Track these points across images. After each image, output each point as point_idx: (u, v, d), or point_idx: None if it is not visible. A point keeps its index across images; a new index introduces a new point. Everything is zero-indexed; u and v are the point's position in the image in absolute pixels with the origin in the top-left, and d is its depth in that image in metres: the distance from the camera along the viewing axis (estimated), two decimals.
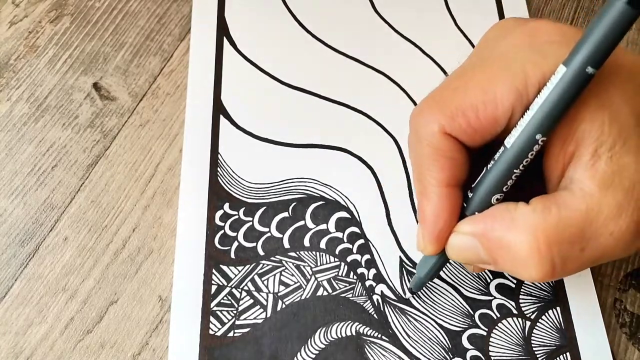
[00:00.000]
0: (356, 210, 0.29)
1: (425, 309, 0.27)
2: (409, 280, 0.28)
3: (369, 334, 0.27)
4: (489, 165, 0.22)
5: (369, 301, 0.27)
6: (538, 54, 0.21)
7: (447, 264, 0.28)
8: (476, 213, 0.23)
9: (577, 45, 0.19)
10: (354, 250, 0.28)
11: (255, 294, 0.27)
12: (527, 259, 0.21)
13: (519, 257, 0.21)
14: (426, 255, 0.25)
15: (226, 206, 0.29)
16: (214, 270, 0.28)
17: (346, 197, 0.30)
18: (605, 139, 0.20)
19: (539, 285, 0.28)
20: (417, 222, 0.25)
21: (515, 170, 0.21)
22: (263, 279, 0.28)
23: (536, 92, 0.21)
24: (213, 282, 0.27)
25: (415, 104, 0.32)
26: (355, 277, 0.28)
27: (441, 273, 0.28)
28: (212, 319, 0.27)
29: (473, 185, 0.23)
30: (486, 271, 0.28)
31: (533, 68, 0.21)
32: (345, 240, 0.29)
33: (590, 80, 0.19)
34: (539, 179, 0.23)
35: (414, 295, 0.27)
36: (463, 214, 0.23)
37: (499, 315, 0.27)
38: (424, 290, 0.28)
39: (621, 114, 0.20)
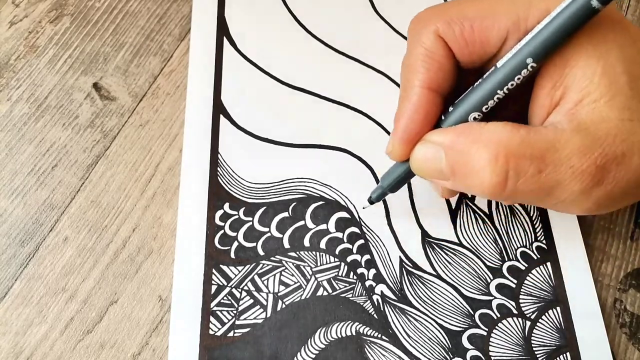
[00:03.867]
0: (356, 211, 0.29)
1: (425, 309, 0.27)
2: (409, 280, 0.28)
3: (369, 334, 0.27)
4: (476, 84, 0.22)
5: (369, 301, 0.27)
6: None
7: (444, 263, 0.28)
8: None
9: None
10: (354, 250, 0.28)
11: (255, 294, 0.27)
12: (482, 167, 0.21)
13: (476, 165, 0.21)
14: (393, 159, 0.25)
15: (226, 206, 0.29)
16: (214, 270, 0.28)
17: (346, 197, 0.30)
18: (592, 90, 0.21)
19: (539, 285, 0.28)
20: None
21: (499, 91, 0.22)
22: (263, 279, 0.28)
23: (535, 24, 0.21)
24: (213, 282, 0.27)
25: None
26: (355, 277, 0.28)
27: (441, 273, 0.28)
28: (212, 319, 0.27)
29: (455, 102, 0.23)
30: (486, 271, 0.28)
31: (539, 1, 0.21)
32: (345, 240, 0.29)
33: (593, 16, 0.20)
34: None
35: (369, 205, 0.28)
36: (438, 126, 0.23)
37: (499, 315, 0.27)
38: (423, 290, 0.28)
39: (614, 70, 0.21)
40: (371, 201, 0.28)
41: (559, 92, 0.21)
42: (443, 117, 0.23)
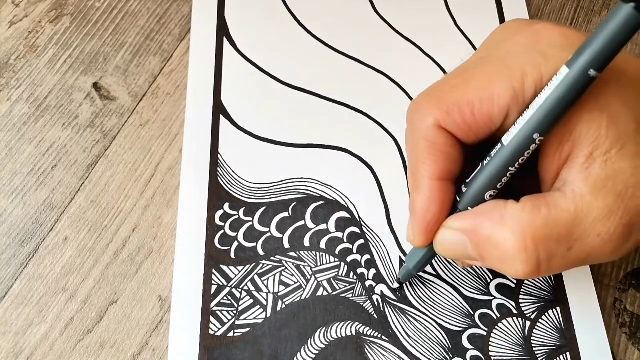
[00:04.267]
0: (356, 210, 0.29)
1: (425, 309, 0.27)
2: (408, 280, 0.28)
3: (369, 334, 0.27)
4: (485, 162, 0.22)
5: (369, 301, 0.27)
6: (539, 56, 0.21)
7: (444, 263, 0.28)
8: (469, 208, 0.23)
9: (581, 47, 0.19)
10: (354, 250, 0.28)
11: (255, 294, 0.27)
12: (513, 256, 0.21)
13: (506, 254, 0.21)
14: (415, 247, 0.25)
15: (226, 206, 0.29)
16: (214, 270, 0.28)
17: (346, 197, 0.30)
18: (601, 143, 0.20)
19: (539, 285, 0.28)
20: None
21: (510, 168, 0.22)
22: (263, 279, 0.28)
23: (533, 94, 0.21)
24: (213, 282, 0.27)
25: None
26: (355, 277, 0.28)
27: (441, 273, 0.28)
28: (212, 319, 0.27)
29: (467, 181, 0.23)
30: (486, 271, 0.28)
31: (532, 69, 0.21)
32: (345, 240, 0.29)
33: (592, 83, 0.19)
34: (532, 176, 0.23)
35: (400, 287, 0.28)
36: (455, 208, 0.23)
37: (499, 315, 0.27)
38: (423, 290, 0.28)
39: (620, 119, 0.20)
40: (400, 282, 0.28)
41: (567, 148, 0.21)
42: (457, 197, 0.23)
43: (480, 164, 0.22)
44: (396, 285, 0.28)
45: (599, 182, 0.20)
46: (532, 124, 0.20)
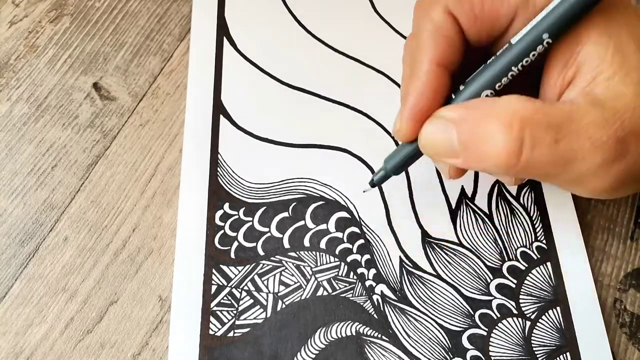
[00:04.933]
0: (356, 210, 0.29)
1: (425, 309, 0.27)
2: (409, 280, 0.28)
3: (369, 334, 0.27)
4: (489, 61, 0.22)
5: (369, 301, 0.27)
6: None
7: (444, 263, 0.28)
8: None
9: None
10: (354, 250, 0.28)
11: (255, 294, 0.27)
12: (497, 135, 0.20)
13: (490, 133, 0.20)
14: (400, 138, 0.24)
15: (226, 206, 0.29)
16: (214, 270, 0.28)
17: (346, 197, 0.30)
18: (605, 68, 0.20)
19: (539, 285, 0.28)
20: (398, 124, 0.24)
21: (513, 68, 0.21)
22: (263, 279, 0.28)
23: (543, 3, 0.21)
24: (213, 282, 0.27)
25: None
26: (355, 277, 0.28)
27: (441, 273, 0.28)
28: (212, 319, 0.27)
29: (467, 80, 0.23)
30: (486, 271, 0.28)
31: None
32: (345, 240, 0.29)
33: None
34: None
35: (371, 188, 0.27)
36: (448, 103, 0.23)
37: (499, 315, 0.27)
38: (423, 290, 0.28)
39: (627, 47, 0.20)
40: (373, 184, 0.26)
41: (572, 71, 0.21)
42: (453, 96, 0.23)
43: (483, 65, 0.22)
44: (368, 187, 0.27)
45: (598, 100, 0.20)
46: (544, 24, 0.21)
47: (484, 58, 0.23)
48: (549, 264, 0.28)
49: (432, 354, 0.26)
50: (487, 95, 0.22)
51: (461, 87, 0.23)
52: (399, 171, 0.25)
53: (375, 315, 0.27)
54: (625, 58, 0.20)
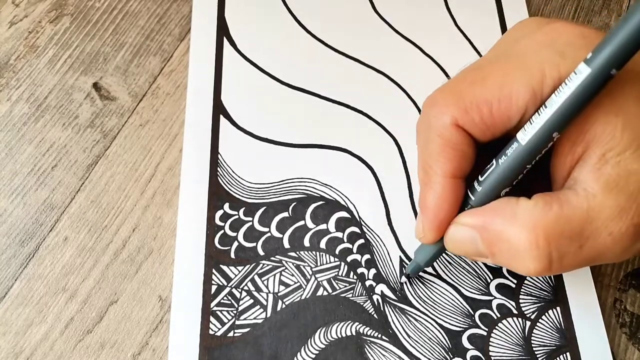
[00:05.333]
0: (356, 210, 0.29)
1: (425, 309, 0.27)
2: (409, 280, 0.28)
3: (369, 334, 0.27)
4: (500, 160, 0.22)
5: (369, 301, 0.27)
6: (557, 55, 0.21)
7: (444, 263, 0.28)
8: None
9: (600, 45, 0.19)
10: (354, 250, 0.28)
11: (255, 294, 0.27)
12: (525, 253, 0.21)
13: (517, 250, 0.21)
14: (425, 243, 0.25)
15: (226, 206, 0.29)
16: (214, 270, 0.28)
17: (346, 197, 0.30)
18: (615, 144, 0.20)
19: (539, 285, 0.28)
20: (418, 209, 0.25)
21: (527, 165, 0.22)
22: (263, 279, 0.28)
23: (550, 92, 0.21)
24: (213, 282, 0.27)
25: (415, 104, 0.32)
26: (355, 277, 0.28)
27: (441, 273, 0.28)
28: (212, 319, 0.27)
29: (481, 179, 0.23)
30: (486, 271, 0.28)
31: (550, 68, 0.21)
32: (345, 240, 0.29)
33: (610, 81, 0.19)
34: (543, 175, 0.23)
35: (401, 287, 0.27)
36: (466, 204, 0.23)
37: (499, 315, 0.27)
38: (423, 290, 0.28)
39: (636, 121, 0.20)
40: (408, 276, 0.28)
41: (581, 148, 0.21)
42: (470, 194, 0.23)
43: (494, 162, 0.22)
44: (404, 279, 0.28)
45: (611, 182, 0.20)
46: (552, 123, 0.20)
47: (495, 149, 0.23)
48: None
49: (432, 354, 0.26)
50: (505, 192, 0.22)
51: (477, 186, 0.23)
52: (430, 264, 0.27)
53: (375, 315, 0.27)
54: (635, 132, 0.20)
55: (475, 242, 0.22)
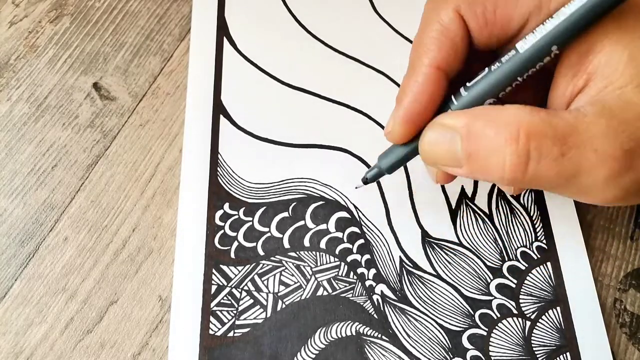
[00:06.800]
0: (356, 210, 0.29)
1: (425, 309, 0.27)
2: (409, 280, 0.28)
3: (369, 333, 0.27)
4: (493, 67, 0.21)
5: (369, 301, 0.27)
6: None
7: (444, 263, 0.28)
8: None
9: None
10: (354, 250, 0.28)
11: (255, 294, 0.27)
12: (502, 147, 0.20)
13: (495, 145, 0.20)
14: (391, 140, 0.24)
15: (226, 206, 0.29)
16: (214, 270, 0.28)
17: (346, 197, 0.30)
18: (617, 77, 0.20)
19: (539, 285, 0.28)
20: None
21: (518, 77, 0.21)
22: (263, 279, 0.28)
23: (557, 6, 0.20)
24: (213, 282, 0.27)
25: None
26: (355, 277, 0.28)
27: (441, 273, 0.28)
28: (212, 319, 0.27)
29: (468, 84, 0.22)
30: (486, 271, 0.28)
31: None
32: (345, 240, 0.29)
33: (619, 4, 0.19)
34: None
35: (363, 186, 0.27)
36: (446, 108, 0.22)
37: (499, 315, 0.27)
38: (423, 290, 0.28)
39: None
40: (366, 181, 0.26)
41: (582, 80, 0.20)
42: (454, 99, 0.22)
43: (487, 69, 0.22)
44: (360, 184, 0.26)
45: (606, 108, 0.19)
46: (552, 35, 0.20)
47: (487, 63, 0.22)
48: (549, 264, 0.28)
49: (432, 354, 0.26)
50: (489, 103, 0.21)
51: (462, 92, 0.22)
52: (393, 170, 0.25)
53: (375, 315, 0.27)
54: (639, 68, 0.20)
55: (453, 144, 0.21)
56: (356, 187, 0.27)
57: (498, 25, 0.22)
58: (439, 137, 0.21)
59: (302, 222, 0.29)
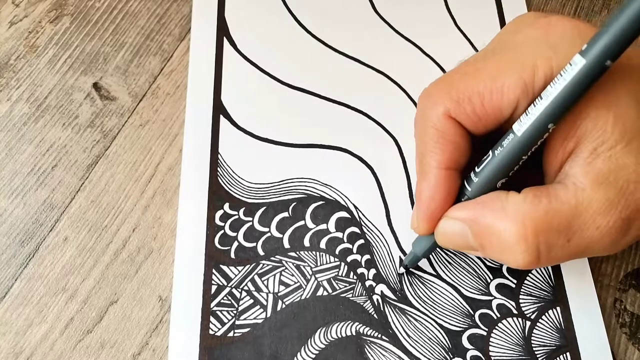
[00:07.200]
0: (356, 210, 0.29)
1: (425, 309, 0.27)
2: (409, 280, 0.28)
3: (369, 334, 0.27)
4: (496, 151, 0.22)
5: (369, 301, 0.27)
6: (550, 49, 0.21)
7: (444, 263, 0.28)
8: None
9: (595, 36, 0.19)
10: (354, 250, 0.28)
11: (255, 294, 0.27)
12: (513, 246, 0.21)
13: (506, 244, 0.21)
14: (418, 234, 0.25)
15: (226, 206, 0.29)
16: (214, 270, 0.28)
17: (346, 197, 0.30)
18: (606, 139, 0.20)
19: (539, 285, 0.28)
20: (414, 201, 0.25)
21: (523, 157, 0.22)
22: (263, 279, 0.28)
23: (543, 86, 0.21)
24: (213, 282, 0.27)
25: (415, 104, 0.32)
26: (355, 277, 0.28)
27: (441, 273, 0.28)
28: (212, 319, 0.27)
29: (477, 170, 0.23)
30: (486, 271, 0.28)
31: (543, 62, 0.21)
32: (345, 240, 0.29)
33: (605, 73, 0.19)
34: (536, 169, 0.24)
35: (406, 272, 0.28)
36: (463, 196, 0.24)
37: (499, 315, 0.27)
38: (423, 290, 0.28)
39: (628, 114, 0.20)
40: (406, 267, 0.28)
41: (572, 143, 0.21)
42: (467, 186, 0.23)
43: (490, 153, 0.23)
44: (402, 270, 0.28)
45: (601, 176, 0.20)
46: (547, 114, 0.20)
47: (490, 139, 0.23)
48: None
49: (432, 354, 0.26)
50: (502, 184, 0.23)
51: (473, 177, 0.23)
52: (427, 255, 0.27)
53: (375, 315, 0.27)
54: (626, 126, 0.20)
55: (465, 235, 0.23)
56: (400, 273, 0.28)
57: (491, 117, 0.22)
58: (452, 230, 0.23)
59: (302, 222, 0.29)
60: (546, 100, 0.20)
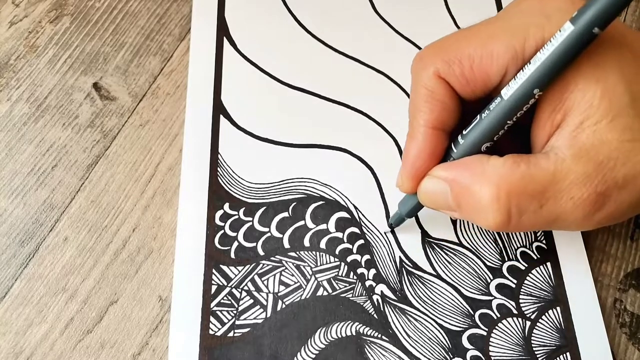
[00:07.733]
0: (356, 211, 0.29)
1: (425, 309, 0.27)
2: (409, 280, 0.28)
3: (369, 334, 0.27)
4: (483, 115, 0.23)
5: (369, 301, 0.27)
6: (543, 17, 0.22)
7: (444, 263, 0.28)
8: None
9: (586, 5, 0.20)
10: (354, 250, 0.28)
11: (255, 294, 0.27)
12: (486, 206, 0.22)
13: (479, 204, 0.22)
14: (403, 192, 0.26)
15: (226, 206, 0.29)
16: (214, 270, 0.28)
17: (346, 197, 0.30)
18: (592, 113, 0.21)
19: (539, 285, 0.28)
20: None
21: (508, 121, 0.22)
22: (263, 279, 0.28)
23: (533, 54, 0.21)
24: (213, 282, 0.27)
25: None
26: (355, 277, 0.28)
27: (441, 273, 0.28)
28: (212, 319, 0.27)
29: (464, 132, 0.24)
30: (486, 271, 0.28)
31: (535, 30, 0.21)
32: (345, 240, 0.29)
33: (593, 41, 0.20)
34: (524, 142, 0.24)
35: (391, 231, 0.28)
36: (449, 157, 0.24)
37: (499, 315, 0.27)
38: (423, 290, 0.28)
39: (615, 90, 0.21)
40: (391, 225, 0.28)
41: (560, 116, 0.22)
42: (453, 147, 0.24)
43: (478, 117, 0.23)
44: (387, 229, 0.28)
45: (583, 150, 0.21)
46: (533, 79, 0.21)
47: (482, 107, 0.23)
48: (549, 264, 0.28)
49: (432, 354, 0.26)
50: (487, 147, 0.23)
51: (460, 140, 0.24)
52: (412, 214, 0.27)
53: (375, 315, 0.27)
54: (612, 102, 0.21)
55: (445, 194, 0.23)
56: (384, 232, 0.28)
57: (479, 81, 0.23)
58: (433, 188, 0.24)
59: (302, 222, 0.29)
60: (534, 65, 0.21)
